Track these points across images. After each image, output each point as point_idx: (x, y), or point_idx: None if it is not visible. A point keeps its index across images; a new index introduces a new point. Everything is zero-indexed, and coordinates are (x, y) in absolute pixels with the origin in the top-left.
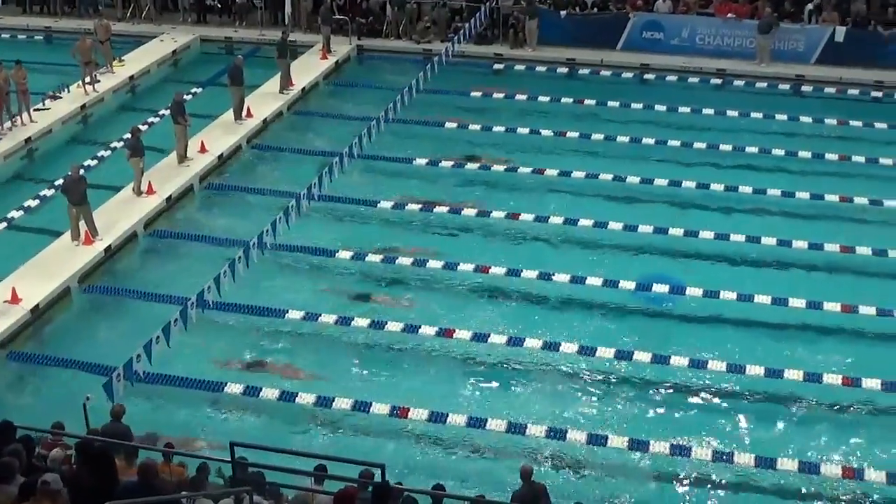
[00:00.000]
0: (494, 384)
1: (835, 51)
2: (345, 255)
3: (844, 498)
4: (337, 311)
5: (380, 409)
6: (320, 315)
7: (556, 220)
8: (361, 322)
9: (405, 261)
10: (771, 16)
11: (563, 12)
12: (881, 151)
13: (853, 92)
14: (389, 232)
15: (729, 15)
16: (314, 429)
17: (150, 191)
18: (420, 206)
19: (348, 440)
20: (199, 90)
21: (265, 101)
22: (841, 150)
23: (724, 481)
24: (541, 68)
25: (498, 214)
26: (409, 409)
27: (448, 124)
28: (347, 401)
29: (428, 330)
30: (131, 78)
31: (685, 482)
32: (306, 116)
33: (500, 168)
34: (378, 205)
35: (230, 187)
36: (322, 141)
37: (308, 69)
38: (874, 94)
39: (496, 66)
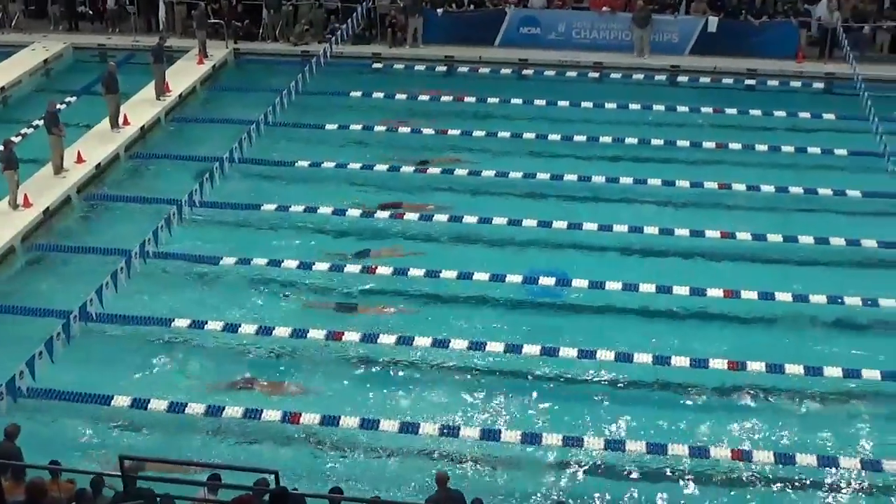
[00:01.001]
0: (385, 384)
1: (708, 41)
2: (229, 260)
3: (735, 479)
4: (223, 318)
5: (271, 415)
6: (206, 322)
7: (441, 217)
8: (248, 328)
9: (291, 264)
10: (646, 8)
11: (440, 10)
12: (756, 138)
13: (727, 81)
14: (273, 235)
15: (604, 8)
16: (206, 439)
17: (27, 203)
18: (303, 208)
19: (241, 448)
20: (73, 99)
21: (142, 108)
22: (717, 138)
23: (616, 470)
24: (420, 67)
25: (382, 214)
26: (300, 415)
27: (329, 126)
28: (238, 409)
29: (316, 333)
30: (2, 89)
31: (579, 472)
32: (185, 123)
33: (383, 167)
34: (261, 208)
35: (109, 197)
36: (202, 147)
37: (185, 74)
38: (748, 82)
39: (375, 66)
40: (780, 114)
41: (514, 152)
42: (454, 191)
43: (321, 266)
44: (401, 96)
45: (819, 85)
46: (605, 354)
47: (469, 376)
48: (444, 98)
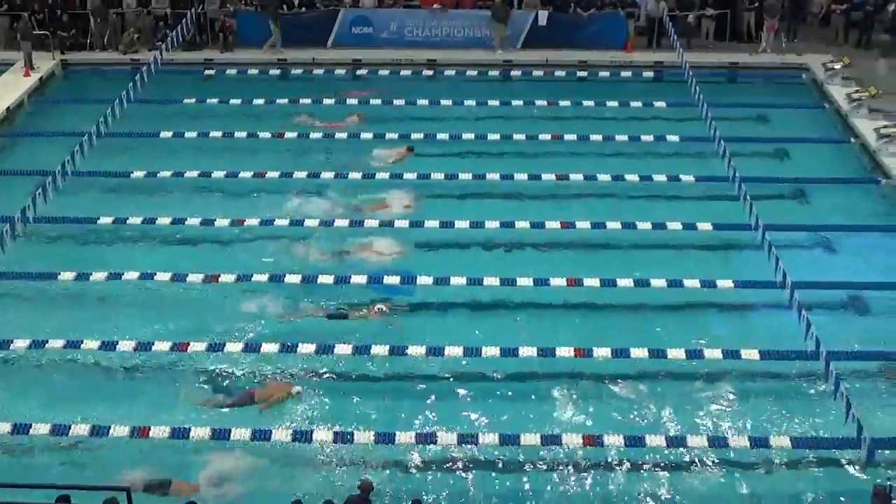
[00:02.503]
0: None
1: (539, 35)
2: (67, 276)
3: (587, 465)
4: (63, 335)
5: (119, 431)
6: (48, 341)
7: (282, 222)
8: (91, 344)
9: (131, 275)
10: (502, 4)
11: None
12: (590, 128)
13: (560, 73)
14: (112, 248)
15: (435, 6)
16: (52, 459)
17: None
18: (141, 219)
19: (90, 467)
20: None
21: None
22: (553, 130)
23: (470, 463)
24: (253, 71)
25: (222, 222)
26: (149, 428)
27: (163, 133)
28: (84, 426)
29: (162, 345)
30: None
31: (432, 468)
32: (13, 137)
33: (220, 174)
34: (98, 221)
35: None
36: (33, 161)
37: (10, 88)
38: (580, 73)
39: (207, 72)
40: (613, 103)
41: (351, 152)
42: (288, 193)
43: (162, 276)
44: (235, 101)
45: (648, 74)
46: (454, 350)
47: (318, 380)
48: (279, 101)
